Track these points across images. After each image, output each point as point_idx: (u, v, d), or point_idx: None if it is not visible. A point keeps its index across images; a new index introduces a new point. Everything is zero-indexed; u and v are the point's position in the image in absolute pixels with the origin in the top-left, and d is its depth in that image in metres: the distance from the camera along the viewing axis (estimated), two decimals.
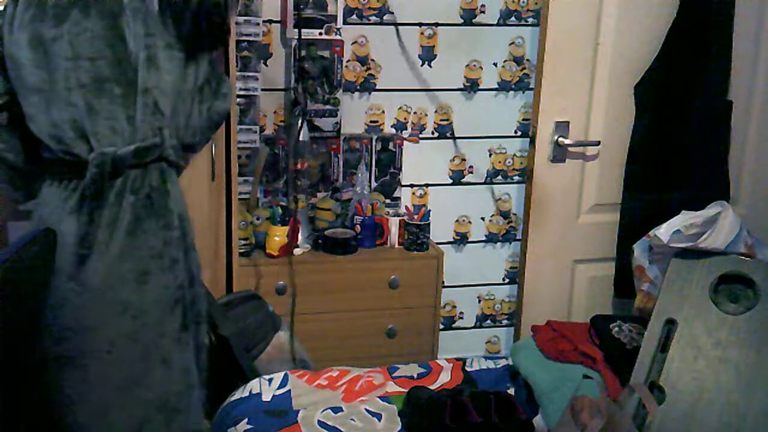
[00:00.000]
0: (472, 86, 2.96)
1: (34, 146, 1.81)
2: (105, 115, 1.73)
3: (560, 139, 2.54)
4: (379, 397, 2.09)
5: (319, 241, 2.79)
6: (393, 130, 2.94)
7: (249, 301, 2.42)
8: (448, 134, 2.99)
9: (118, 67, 1.73)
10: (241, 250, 2.65)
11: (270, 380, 2.14)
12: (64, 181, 1.77)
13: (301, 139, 2.74)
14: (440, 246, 2.94)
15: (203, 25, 1.80)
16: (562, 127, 2.54)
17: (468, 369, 2.25)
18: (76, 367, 1.75)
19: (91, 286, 1.73)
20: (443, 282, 2.96)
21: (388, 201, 2.95)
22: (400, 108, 2.93)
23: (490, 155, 3.04)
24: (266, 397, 2.07)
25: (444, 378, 2.20)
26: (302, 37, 2.68)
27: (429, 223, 2.82)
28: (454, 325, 3.19)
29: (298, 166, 2.81)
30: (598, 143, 2.57)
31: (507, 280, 3.18)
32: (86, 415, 1.77)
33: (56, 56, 1.72)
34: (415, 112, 2.94)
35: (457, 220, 3.08)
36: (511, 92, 3.00)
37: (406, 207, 2.92)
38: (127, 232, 1.74)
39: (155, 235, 1.78)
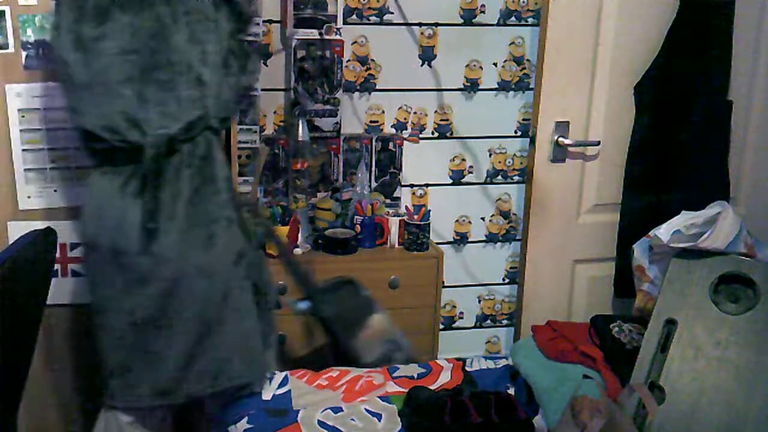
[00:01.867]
0: (472, 86, 2.96)
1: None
2: (155, 101, 1.87)
3: (560, 139, 2.54)
4: (379, 397, 2.09)
5: (319, 241, 2.79)
6: (393, 130, 2.94)
7: (346, 286, 2.52)
8: (448, 134, 2.99)
9: (161, 54, 1.86)
10: None
11: (270, 379, 2.14)
12: (120, 167, 1.90)
13: (301, 139, 2.74)
14: (440, 246, 2.94)
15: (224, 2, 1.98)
16: (562, 127, 2.54)
17: (468, 369, 2.25)
18: (161, 329, 1.94)
19: (164, 257, 1.90)
20: (443, 282, 2.96)
21: (388, 201, 2.95)
22: (400, 108, 2.93)
23: (490, 155, 3.04)
24: (266, 396, 2.07)
25: (444, 378, 2.20)
26: (302, 37, 2.68)
27: (429, 223, 2.82)
28: (454, 325, 3.19)
29: (298, 166, 2.82)
30: (598, 143, 2.57)
31: (507, 280, 3.18)
32: (174, 368, 1.96)
33: (101, 54, 1.84)
34: (415, 112, 2.94)
35: (457, 220, 3.08)
36: (511, 92, 3.00)
37: (406, 207, 2.92)
38: (189, 202, 1.91)
39: (211, 200, 1.95)
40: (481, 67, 2.95)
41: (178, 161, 1.91)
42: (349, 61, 2.84)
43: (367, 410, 2.02)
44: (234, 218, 2.01)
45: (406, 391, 2.08)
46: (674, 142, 2.54)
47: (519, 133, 3.04)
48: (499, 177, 3.07)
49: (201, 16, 1.92)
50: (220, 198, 1.97)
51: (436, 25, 2.87)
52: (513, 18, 2.93)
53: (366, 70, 2.87)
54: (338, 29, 2.74)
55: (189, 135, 1.91)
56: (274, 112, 2.83)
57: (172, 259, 1.91)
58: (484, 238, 3.12)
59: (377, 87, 2.89)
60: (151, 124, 1.87)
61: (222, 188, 1.98)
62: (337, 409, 2.01)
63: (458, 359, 2.32)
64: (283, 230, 2.70)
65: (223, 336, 2.00)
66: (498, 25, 2.92)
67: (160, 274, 1.91)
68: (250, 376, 2.06)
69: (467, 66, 2.94)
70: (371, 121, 2.92)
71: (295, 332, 2.62)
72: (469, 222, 3.09)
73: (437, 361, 2.31)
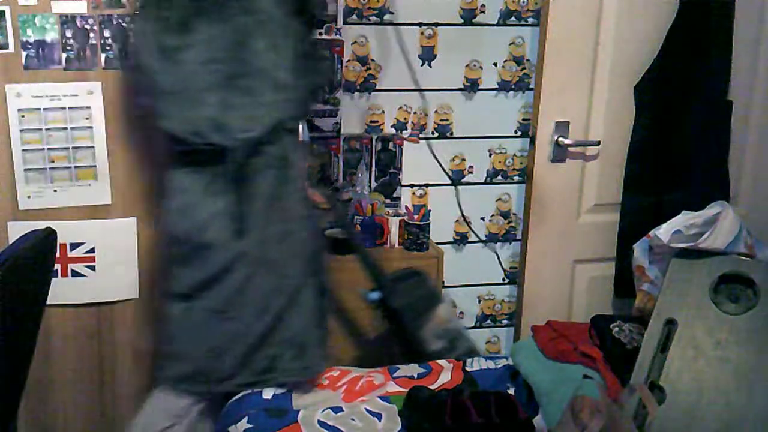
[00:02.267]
0: (472, 86, 2.96)
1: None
2: (238, 107, 1.98)
3: (560, 139, 2.54)
4: (380, 397, 2.09)
5: None
6: (393, 130, 2.94)
7: (414, 277, 2.59)
8: (448, 134, 2.99)
9: (242, 61, 1.98)
10: None
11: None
12: (205, 168, 2.01)
13: (301, 139, 2.74)
14: (440, 246, 2.94)
15: (303, 6, 2.10)
16: (562, 127, 2.54)
17: (468, 369, 2.25)
18: (230, 320, 2.05)
19: (241, 252, 2.01)
20: (443, 282, 2.96)
21: (388, 201, 2.95)
22: (400, 108, 2.93)
23: (490, 155, 3.04)
24: (267, 395, 2.07)
25: (444, 378, 2.20)
26: None
27: (429, 223, 2.81)
28: None
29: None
30: (598, 143, 2.57)
31: (507, 280, 3.18)
32: (235, 359, 2.06)
33: (185, 63, 1.95)
34: (415, 112, 2.94)
35: (457, 220, 3.08)
36: (511, 92, 3.00)
37: (406, 207, 2.92)
38: (267, 201, 2.03)
39: (288, 199, 2.06)
40: (481, 67, 2.95)
41: (258, 162, 2.01)
42: (349, 61, 2.84)
43: (367, 410, 2.02)
44: (306, 216, 2.12)
45: (407, 391, 2.08)
46: (674, 142, 2.54)
47: (519, 133, 3.03)
48: (499, 177, 3.07)
49: (278, 23, 2.01)
50: (296, 197, 2.09)
51: (436, 25, 2.87)
52: (513, 18, 2.93)
53: (366, 70, 2.87)
54: (338, 29, 2.74)
55: (270, 137, 2.02)
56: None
57: (248, 254, 2.02)
58: (484, 238, 3.12)
59: (377, 87, 2.89)
60: (235, 127, 1.97)
61: (298, 188, 2.10)
62: (337, 409, 2.01)
63: (458, 359, 2.32)
64: None
65: (283, 332, 2.08)
66: (498, 25, 2.92)
67: (236, 268, 2.02)
68: (302, 374, 2.12)
69: (467, 66, 2.94)
70: (371, 121, 2.92)
71: None
72: (469, 222, 3.09)
73: (437, 361, 2.31)
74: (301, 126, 2.71)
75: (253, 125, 2.00)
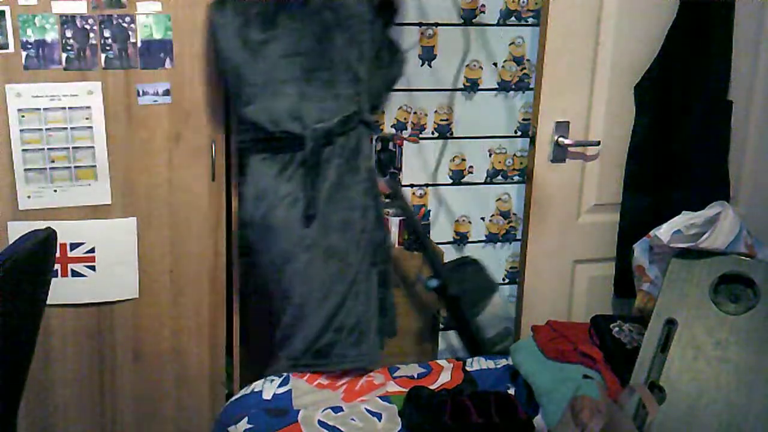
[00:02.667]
0: (472, 86, 2.96)
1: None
2: (315, 99, 2.10)
3: (560, 139, 2.54)
4: (380, 397, 2.09)
5: None
6: (393, 130, 2.94)
7: (471, 265, 2.73)
8: (448, 134, 2.99)
9: (324, 55, 2.08)
10: (242, 250, 2.65)
11: (271, 379, 2.14)
12: (279, 154, 2.13)
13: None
14: (440, 246, 2.94)
15: (384, 3, 2.22)
16: (562, 127, 2.54)
17: (468, 369, 2.25)
18: (294, 300, 2.16)
19: (309, 238, 2.13)
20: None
21: (388, 201, 2.94)
22: (400, 108, 2.92)
23: (490, 155, 3.04)
24: (267, 395, 2.07)
25: (444, 378, 2.20)
26: None
27: (429, 223, 2.81)
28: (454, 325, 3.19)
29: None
30: (598, 143, 2.57)
31: (507, 280, 3.18)
32: (299, 343, 2.17)
33: (268, 56, 2.06)
34: (415, 112, 2.94)
35: (457, 220, 3.07)
36: (511, 92, 3.00)
37: None
38: (332, 188, 2.13)
39: (352, 188, 2.17)
40: (481, 67, 2.94)
41: (330, 151, 2.12)
42: None
43: (367, 410, 2.02)
44: (371, 207, 2.22)
45: (407, 391, 2.08)
46: (674, 142, 2.54)
47: (519, 133, 3.03)
48: (499, 177, 3.07)
49: (360, 19, 2.12)
50: (361, 187, 2.19)
51: (436, 25, 2.87)
52: (513, 18, 2.92)
53: None
54: None
55: (344, 128, 2.13)
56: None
57: (311, 239, 2.13)
58: (484, 238, 3.12)
59: None
60: (310, 117, 2.09)
61: (364, 178, 2.20)
62: (337, 409, 2.01)
63: (458, 359, 2.32)
64: None
65: (343, 318, 2.17)
66: (498, 25, 2.92)
67: (298, 252, 2.13)
68: (359, 361, 2.20)
69: (467, 66, 2.94)
70: None
71: None
72: (469, 222, 3.09)
73: (437, 361, 2.32)
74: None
75: (328, 116, 2.10)
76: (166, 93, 2.29)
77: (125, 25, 2.22)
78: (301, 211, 2.11)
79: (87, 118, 2.26)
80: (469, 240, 3.11)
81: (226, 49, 2.11)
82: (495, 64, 2.96)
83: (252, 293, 2.47)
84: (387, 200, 2.57)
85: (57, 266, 2.29)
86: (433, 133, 2.98)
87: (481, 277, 2.71)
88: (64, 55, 2.21)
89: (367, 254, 2.21)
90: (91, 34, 2.21)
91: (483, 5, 2.89)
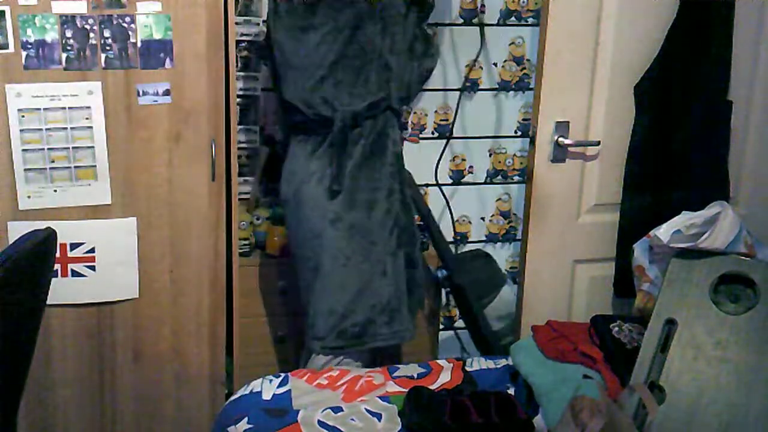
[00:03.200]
0: (472, 86, 2.96)
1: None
2: (346, 84, 2.22)
3: (560, 139, 2.54)
4: (379, 397, 2.09)
5: None
6: None
7: (480, 258, 2.82)
8: (448, 134, 2.99)
9: (357, 43, 2.20)
10: (241, 250, 2.65)
11: (271, 379, 2.14)
12: (312, 136, 2.28)
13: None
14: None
15: None
16: (562, 127, 2.54)
17: (468, 369, 2.25)
18: (321, 277, 2.26)
19: (334, 212, 2.25)
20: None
21: None
22: None
23: (490, 155, 3.04)
24: (266, 396, 2.07)
25: (444, 378, 2.20)
26: None
27: None
28: (454, 325, 3.19)
29: None
30: (598, 143, 2.57)
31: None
32: (326, 321, 2.27)
33: (308, 42, 2.20)
34: (415, 112, 2.94)
35: (457, 220, 3.08)
36: (511, 92, 3.00)
37: None
38: (357, 168, 2.25)
39: (378, 170, 2.28)
40: (481, 67, 2.95)
41: (357, 133, 2.25)
42: None
43: (367, 410, 2.02)
44: (396, 190, 2.32)
45: (406, 391, 2.08)
46: (674, 142, 2.54)
47: (519, 133, 3.03)
48: (499, 177, 3.07)
49: (394, 11, 2.24)
50: (387, 170, 2.29)
51: (437, 25, 2.87)
52: (513, 18, 2.93)
53: None
54: None
55: (371, 112, 2.25)
56: (274, 112, 2.83)
57: (336, 213, 2.24)
58: (484, 238, 3.12)
59: None
60: (341, 101, 2.22)
61: (390, 162, 2.31)
62: (337, 409, 2.01)
63: (458, 359, 2.32)
64: (282, 230, 2.70)
65: (370, 298, 2.28)
66: (498, 25, 2.92)
67: (327, 226, 2.24)
68: (391, 338, 2.32)
69: (467, 66, 2.94)
70: None
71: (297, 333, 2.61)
72: (469, 222, 3.09)
73: (437, 361, 2.31)
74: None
75: (356, 101, 2.23)
76: (166, 93, 2.29)
77: (125, 25, 2.22)
78: (327, 187, 2.23)
79: (87, 118, 2.26)
80: (469, 240, 3.11)
81: (274, 32, 2.25)
82: (495, 64, 2.96)
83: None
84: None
85: (57, 266, 2.29)
86: (433, 133, 2.98)
87: (490, 270, 2.77)
88: (64, 55, 2.21)
89: (393, 236, 2.30)
90: (91, 34, 2.21)
91: (483, 5, 2.89)
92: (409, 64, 2.36)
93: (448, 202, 2.97)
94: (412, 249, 2.39)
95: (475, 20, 2.89)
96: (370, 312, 2.28)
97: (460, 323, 3.18)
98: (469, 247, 3.11)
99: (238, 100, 2.65)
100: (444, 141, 2.97)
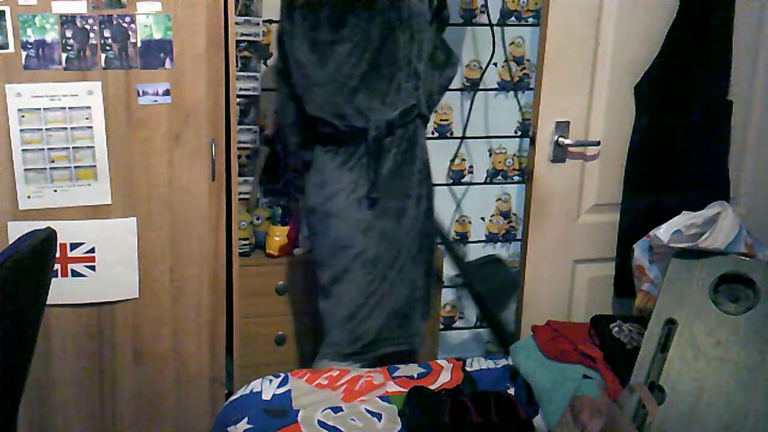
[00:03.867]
0: (472, 86, 2.96)
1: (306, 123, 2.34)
2: (378, 93, 2.22)
3: (560, 139, 2.54)
4: (379, 397, 2.09)
5: None
6: None
7: (494, 264, 2.87)
8: (448, 134, 2.99)
9: (387, 52, 2.19)
10: (241, 250, 2.65)
11: (270, 380, 2.14)
12: (342, 147, 2.26)
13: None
14: (440, 246, 2.94)
15: (441, 5, 2.36)
16: (562, 127, 2.54)
17: (468, 369, 2.25)
18: (344, 283, 2.28)
19: (367, 222, 2.25)
20: (443, 282, 2.96)
21: None
22: None
23: (490, 155, 3.04)
24: (266, 396, 2.07)
25: (444, 378, 2.20)
26: None
27: None
28: (454, 326, 3.19)
29: (298, 166, 2.82)
30: (598, 143, 2.57)
31: None
32: (343, 327, 2.29)
33: (336, 55, 2.17)
34: None
35: (457, 220, 3.08)
36: (511, 92, 3.00)
37: None
38: (388, 176, 2.25)
39: (408, 178, 2.30)
40: (481, 67, 2.95)
41: (390, 142, 2.25)
42: None
43: (367, 410, 2.02)
44: (423, 197, 2.34)
45: (407, 391, 2.08)
46: (674, 142, 2.54)
47: (519, 133, 3.04)
48: (499, 177, 3.07)
49: (420, 18, 2.24)
50: (416, 177, 2.31)
51: None
52: (513, 18, 2.93)
53: None
54: None
55: (404, 120, 2.26)
56: (275, 112, 2.83)
57: (369, 222, 2.25)
58: (484, 238, 3.12)
59: None
60: (374, 111, 2.21)
61: (419, 169, 2.32)
62: (337, 409, 2.01)
63: (458, 359, 2.32)
64: (282, 230, 2.70)
65: (389, 304, 2.28)
66: (498, 25, 2.92)
67: (358, 234, 2.25)
68: (406, 342, 2.34)
69: (467, 66, 2.94)
70: None
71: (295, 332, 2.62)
72: (469, 222, 3.09)
73: (437, 361, 2.31)
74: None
75: (389, 109, 2.22)
76: (166, 93, 2.29)
77: (125, 25, 2.22)
78: (360, 197, 2.24)
79: (87, 118, 2.26)
80: (469, 240, 3.11)
81: (293, 51, 2.23)
82: (495, 64, 2.96)
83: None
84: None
85: (57, 266, 2.29)
86: (433, 133, 2.98)
87: (504, 275, 2.82)
88: (64, 55, 2.21)
89: (415, 242, 2.32)
90: (91, 34, 2.21)
91: (483, 5, 2.89)
92: (430, 72, 2.37)
93: (458, 204, 2.98)
94: (431, 256, 2.41)
95: (485, 20, 2.89)
96: (385, 318, 2.29)
97: (460, 323, 3.19)
98: (469, 247, 3.11)
99: (238, 100, 2.65)
100: (445, 140, 2.98)
